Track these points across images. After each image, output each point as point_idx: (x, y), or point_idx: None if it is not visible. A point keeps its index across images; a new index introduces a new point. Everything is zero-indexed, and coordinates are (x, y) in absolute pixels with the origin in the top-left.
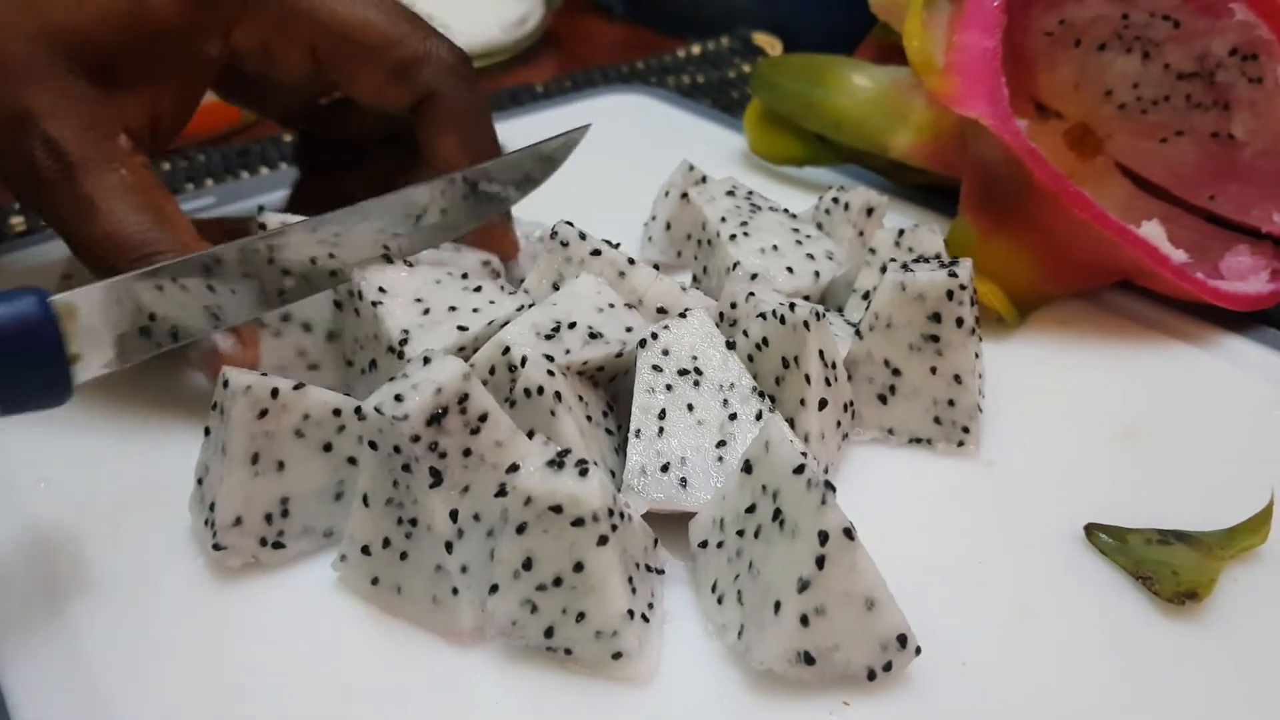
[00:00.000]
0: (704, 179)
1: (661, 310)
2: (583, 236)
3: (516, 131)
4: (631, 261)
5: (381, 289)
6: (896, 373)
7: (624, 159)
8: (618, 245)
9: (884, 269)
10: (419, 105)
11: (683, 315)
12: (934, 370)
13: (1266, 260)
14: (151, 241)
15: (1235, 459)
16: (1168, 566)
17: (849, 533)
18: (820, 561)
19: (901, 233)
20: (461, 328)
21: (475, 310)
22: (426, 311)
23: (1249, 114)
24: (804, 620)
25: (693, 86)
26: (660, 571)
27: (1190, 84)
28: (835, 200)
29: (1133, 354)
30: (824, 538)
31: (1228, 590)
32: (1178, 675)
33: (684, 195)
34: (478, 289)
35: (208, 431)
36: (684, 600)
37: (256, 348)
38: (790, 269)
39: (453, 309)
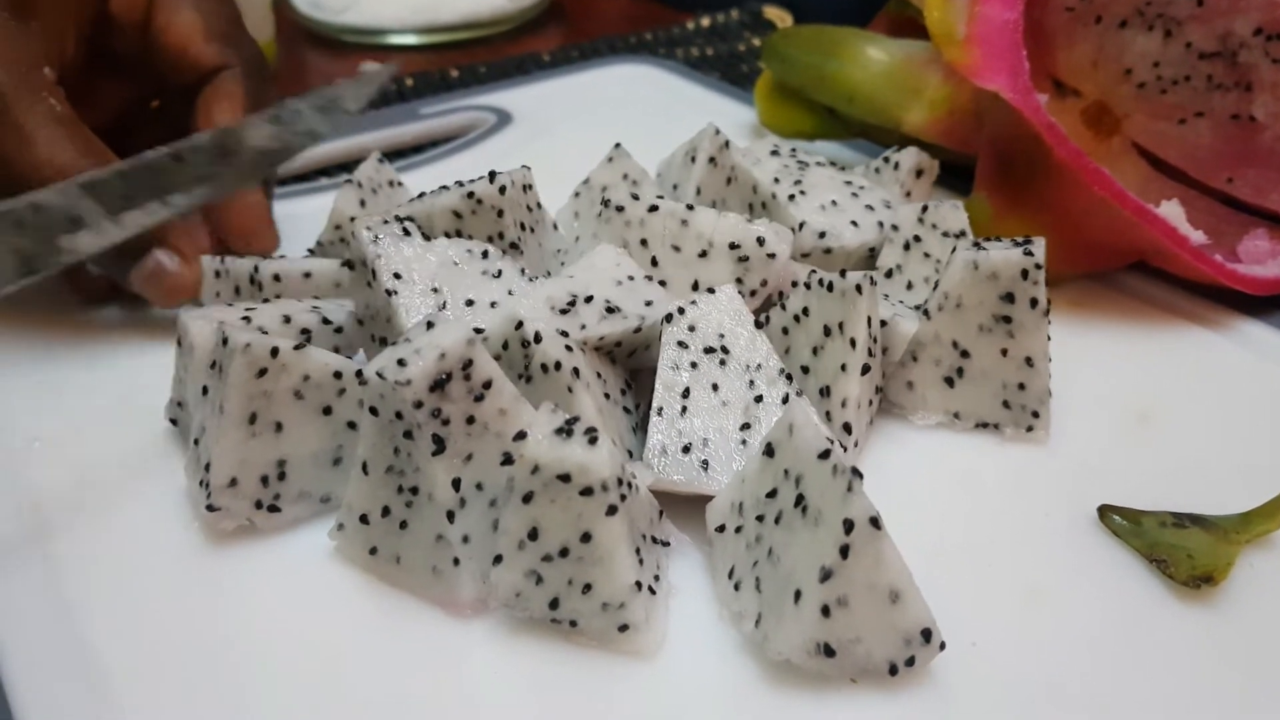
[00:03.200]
0: (727, 144)
1: (734, 245)
2: (635, 197)
3: (522, 100)
4: (690, 207)
5: (397, 275)
6: (965, 355)
7: (631, 130)
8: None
9: (907, 246)
10: (211, 75)
11: (710, 291)
12: (1005, 352)
13: None
14: (86, 169)
15: (1251, 444)
16: (1182, 550)
17: (875, 522)
18: (844, 551)
19: (925, 209)
20: (478, 330)
21: (493, 305)
22: (443, 306)
23: (1270, 96)
24: (825, 611)
25: (701, 59)
26: (666, 544)
27: (1211, 64)
28: (885, 160)
29: (1147, 337)
30: (849, 526)
31: (1244, 575)
32: (1192, 660)
33: (711, 160)
34: (498, 274)
35: (205, 390)
36: (688, 574)
37: (199, 266)
38: (855, 223)
39: (470, 303)
